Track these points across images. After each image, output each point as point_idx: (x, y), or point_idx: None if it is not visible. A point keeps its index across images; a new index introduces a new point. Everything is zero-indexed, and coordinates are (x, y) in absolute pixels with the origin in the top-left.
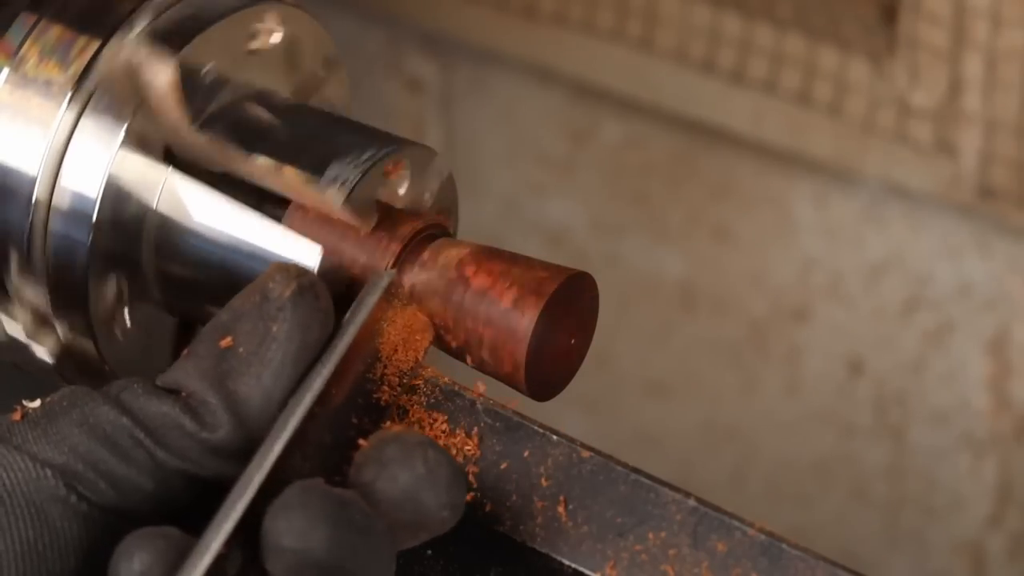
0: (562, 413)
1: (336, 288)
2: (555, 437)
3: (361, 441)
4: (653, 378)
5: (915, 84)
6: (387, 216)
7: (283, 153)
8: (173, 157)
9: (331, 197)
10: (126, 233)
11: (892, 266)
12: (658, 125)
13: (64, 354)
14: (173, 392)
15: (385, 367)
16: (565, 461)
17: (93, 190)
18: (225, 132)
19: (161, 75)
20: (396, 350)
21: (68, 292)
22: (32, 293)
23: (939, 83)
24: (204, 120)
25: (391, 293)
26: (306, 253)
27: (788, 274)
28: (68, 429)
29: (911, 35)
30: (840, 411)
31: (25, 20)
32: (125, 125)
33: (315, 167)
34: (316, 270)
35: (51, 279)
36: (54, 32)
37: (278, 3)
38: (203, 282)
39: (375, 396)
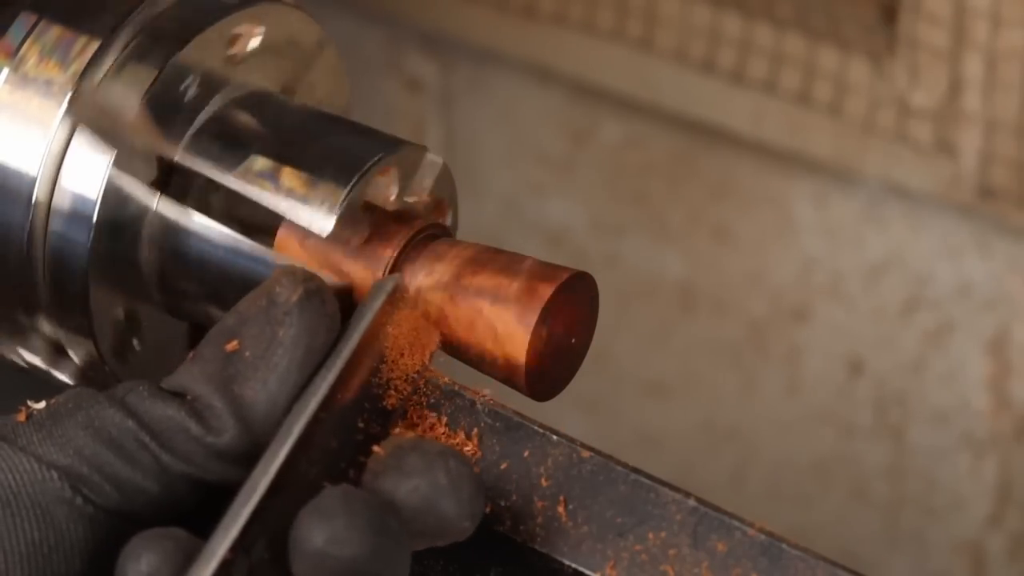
0: (562, 413)
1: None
2: (555, 437)
3: (376, 448)
4: (653, 378)
5: (915, 84)
6: (381, 222)
7: (281, 155)
8: (164, 183)
9: (319, 225)
10: (126, 234)
11: (892, 266)
12: (658, 125)
13: (64, 355)
14: (178, 395)
15: (391, 371)
16: (565, 461)
17: (93, 190)
18: (220, 136)
19: (127, 113)
20: (402, 354)
21: (68, 293)
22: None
23: (939, 83)
24: (201, 125)
25: (396, 297)
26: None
27: (788, 274)
28: (73, 431)
29: (911, 35)
30: (840, 411)
31: (25, 20)
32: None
33: (312, 169)
34: (329, 233)
35: (51, 280)
36: (54, 32)
37: (276, 3)
38: (204, 283)
39: (381, 400)
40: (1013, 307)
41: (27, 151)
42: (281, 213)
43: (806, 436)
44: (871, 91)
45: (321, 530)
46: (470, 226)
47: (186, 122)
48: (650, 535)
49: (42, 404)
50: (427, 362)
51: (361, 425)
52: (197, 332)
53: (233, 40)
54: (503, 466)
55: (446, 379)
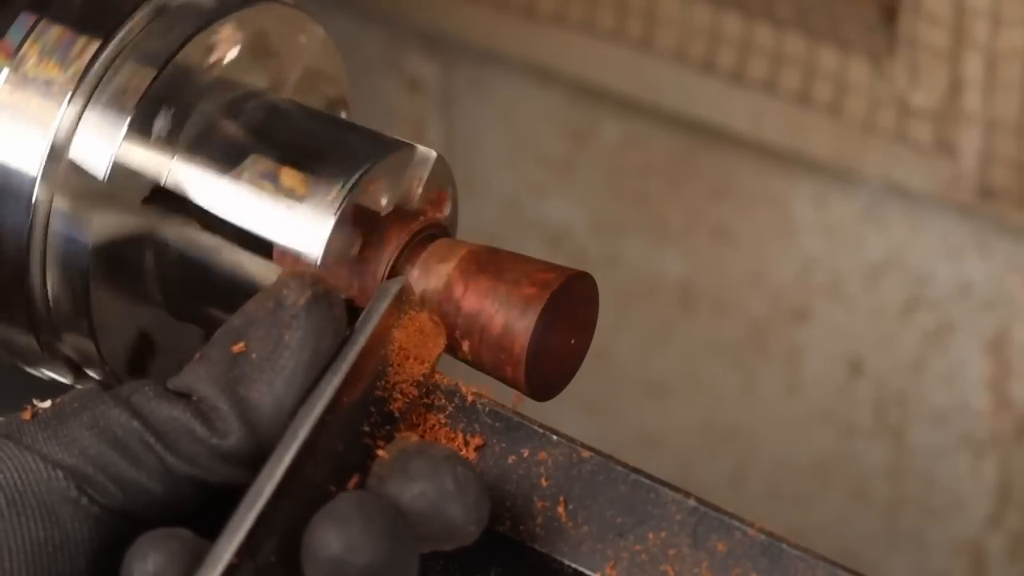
0: (562, 413)
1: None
2: (555, 437)
3: (380, 452)
4: (653, 378)
5: (915, 84)
6: (378, 226)
7: (280, 155)
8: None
9: (319, 225)
10: (128, 232)
11: (892, 266)
12: (658, 125)
13: (64, 355)
14: (184, 396)
15: (397, 374)
16: (565, 461)
17: (95, 188)
18: (219, 137)
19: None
20: (408, 357)
21: (69, 293)
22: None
23: (939, 83)
24: (200, 125)
25: (402, 299)
26: (311, 245)
27: (788, 274)
28: (79, 431)
29: (911, 35)
30: (840, 411)
31: (25, 20)
32: (126, 123)
33: (312, 169)
34: (319, 263)
35: (51, 280)
36: (54, 32)
37: (274, 3)
38: (205, 281)
39: (387, 403)
40: (1013, 307)
41: (27, 151)
42: (280, 213)
43: (806, 436)
44: (871, 91)
45: (338, 537)
46: (470, 226)
47: (185, 122)
48: (650, 535)
49: (47, 403)
50: (433, 365)
51: (367, 428)
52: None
53: (215, 47)
54: (503, 466)
55: (446, 379)
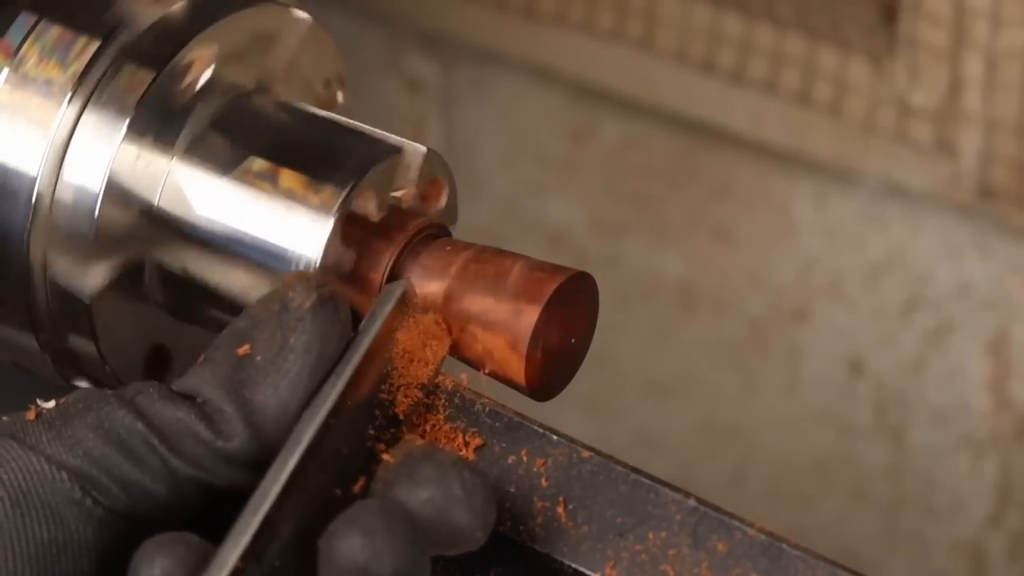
0: (562, 413)
1: None
2: (555, 437)
3: (385, 456)
4: (653, 378)
5: (915, 84)
6: (373, 231)
7: (279, 156)
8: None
9: (318, 226)
10: (127, 232)
11: (892, 266)
12: (658, 125)
13: (65, 355)
14: (189, 398)
15: (401, 376)
16: (565, 461)
17: (95, 187)
18: (218, 137)
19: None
20: (412, 359)
21: (68, 294)
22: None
23: (939, 83)
24: (199, 126)
25: (405, 302)
26: (310, 247)
27: (788, 274)
28: (83, 432)
29: (911, 35)
30: (840, 411)
31: (25, 20)
32: (126, 123)
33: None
34: (319, 263)
35: (51, 280)
36: (54, 32)
37: (273, 4)
38: (204, 280)
39: (392, 406)
40: (1013, 307)
41: (27, 151)
42: (280, 214)
43: (806, 436)
44: (871, 91)
45: (363, 547)
46: (470, 226)
47: (184, 123)
48: (650, 535)
49: (51, 403)
50: (438, 368)
51: (371, 431)
52: None
53: (214, 48)
54: (503, 466)
55: (448, 380)
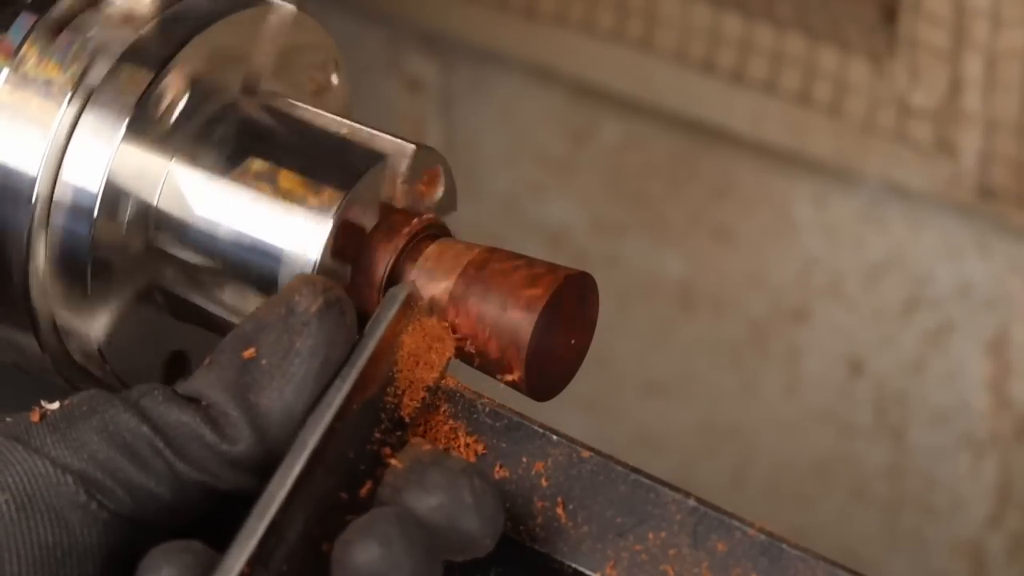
0: (562, 413)
1: None
2: (555, 437)
3: (393, 461)
4: (653, 378)
5: (915, 84)
6: (372, 232)
7: (278, 157)
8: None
9: (317, 227)
10: (127, 231)
11: (892, 266)
12: (658, 125)
13: (66, 357)
14: (194, 401)
15: (406, 379)
16: (565, 461)
17: (94, 187)
18: (217, 138)
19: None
20: (418, 362)
21: (69, 294)
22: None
23: (939, 83)
24: (198, 127)
25: (409, 305)
26: (309, 247)
27: (788, 274)
28: (88, 435)
29: (911, 35)
30: (840, 411)
31: (25, 20)
32: (125, 122)
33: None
34: (319, 263)
35: (51, 281)
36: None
37: (270, 3)
38: (204, 280)
39: (397, 410)
40: (1013, 307)
41: (27, 151)
42: (279, 215)
43: (806, 436)
44: (871, 91)
45: (382, 556)
46: (470, 226)
47: (183, 123)
48: (650, 535)
49: (55, 404)
50: (443, 371)
51: (377, 435)
52: None
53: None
54: (503, 466)
55: (448, 380)
